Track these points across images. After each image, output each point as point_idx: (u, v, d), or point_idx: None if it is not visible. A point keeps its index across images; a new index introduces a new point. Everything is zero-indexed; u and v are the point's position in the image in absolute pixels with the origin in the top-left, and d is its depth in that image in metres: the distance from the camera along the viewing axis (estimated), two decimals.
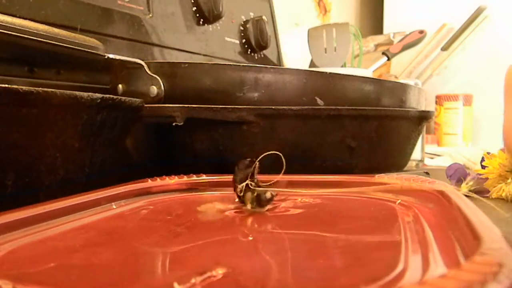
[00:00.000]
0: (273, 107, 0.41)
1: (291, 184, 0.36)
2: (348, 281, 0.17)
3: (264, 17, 0.83)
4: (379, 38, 1.33)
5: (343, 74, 0.47)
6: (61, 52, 0.43)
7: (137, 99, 0.35)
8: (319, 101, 0.43)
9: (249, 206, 0.29)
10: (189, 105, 0.40)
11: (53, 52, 0.43)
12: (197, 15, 0.72)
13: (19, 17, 0.41)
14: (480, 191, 0.51)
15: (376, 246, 0.22)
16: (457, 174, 0.52)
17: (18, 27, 0.38)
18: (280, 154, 0.30)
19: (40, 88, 0.26)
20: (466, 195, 0.25)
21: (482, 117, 1.22)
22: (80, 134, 0.30)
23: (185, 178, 0.36)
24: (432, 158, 0.91)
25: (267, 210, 0.29)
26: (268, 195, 0.29)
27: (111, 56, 0.46)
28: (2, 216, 0.22)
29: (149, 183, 0.34)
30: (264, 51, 0.85)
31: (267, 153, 0.30)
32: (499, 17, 1.17)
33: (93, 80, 0.53)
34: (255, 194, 0.29)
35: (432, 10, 1.31)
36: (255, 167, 0.30)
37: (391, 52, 0.92)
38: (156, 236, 0.25)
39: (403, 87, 0.51)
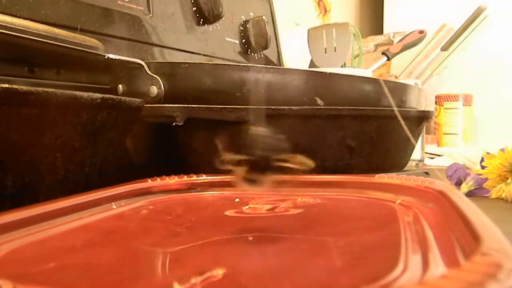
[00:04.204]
0: (273, 107, 0.41)
1: (291, 184, 0.36)
2: (348, 281, 0.17)
3: (264, 17, 0.83)
4: (379, 38, 1.33)
5: (343, 74, 0.47)
6: (61, 52, 0.43)
7: (137, 99, 0.35)
8: (319, 101, 0.43)
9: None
10: (189, 105, 0.40)
11: (53, 52, 0.43)
12: (197, 15, 0.72)
13: (19, 17, 0.41)
14: (480, 191, 0.51)
15: (376, 246, 0.22)
16: (457, 174, 0.52)
17: (18, 27, 0.38)
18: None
19: (40, 88, 0.26)
20: (466, 195, 0.25)
21: (482, 117, 1.22)
22: (80, 134, 0.30)
23: (185, 178, 0.36)
24: (432, 158, 0.91)
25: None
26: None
27: (111, 56, 0.46)
28: (2, 216, 0.22)
29: (149, 183, 0.34)
30: (264, 51, 0.85)
31: None
32: (499, 17, 1.17)
33: (93, 80, 0.53)
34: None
35: (432, 10, 1.31)
36: None
37: (391, 52, 0.92)
38: (156, 236, 0.25)
39: (403, 87, 0.51)
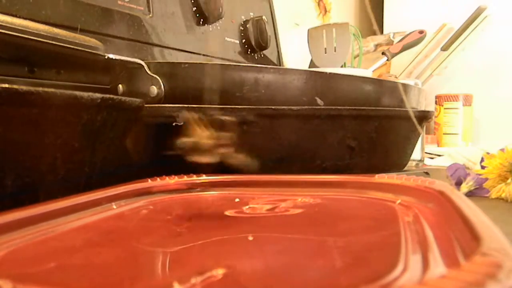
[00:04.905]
0: (273, 107, 0.41)
1: (291, 184, 0.36)
2: (348, 281, 0.17)
3: (264, 17, 0.83)
4: (379, 38, 1.33)
5: (343, 74, 0.47)
6: (61, 52, 0.43)
7: (137, 99, 0.35)
8: (319, 101, 0.43)
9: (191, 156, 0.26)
10: (189, 105, 0.40)
11: (53, 52, 0.43)
12: (197, 15, 0.72)
13: (19, 17, 0.41)
14: (480, 191, 0.51)
15: (376, 246, 0.22)
16: (457, 174, 0.52)
17: (18, 27, 0.38)
18: None
19: (40, 88, 0.26)
20: (466, 195, 0.25)
21: (482, 117, 1.22)
22: (80, 134, 0.30)
23: (185, 178, 0.36)
24: (432, 158, 0.91)
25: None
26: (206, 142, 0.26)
27: (111, 56, 0.45)
28: (2, 216, 0.22)
29: (149, 183, 0.34)
30: (264, 51, 0.85)
31: None
32: (499, 17, 1.17)
33: (93, 80, 0.53)
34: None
35: (432, 10, 1.31)
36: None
37: (391, 52, 0.92)
38: (156, 236, 0.25)
39: (403, 87, 0.51)
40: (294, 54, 1.06)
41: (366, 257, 0.20)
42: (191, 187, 0.36)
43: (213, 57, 0.73)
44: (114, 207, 0.30)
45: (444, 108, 1.16)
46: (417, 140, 0.55)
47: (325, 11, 1.35)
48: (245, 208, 0.31)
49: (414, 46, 0.97)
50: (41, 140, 0.28)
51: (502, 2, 1.21)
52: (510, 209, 0.44)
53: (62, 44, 0.42)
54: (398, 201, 0.30)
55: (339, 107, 0.43)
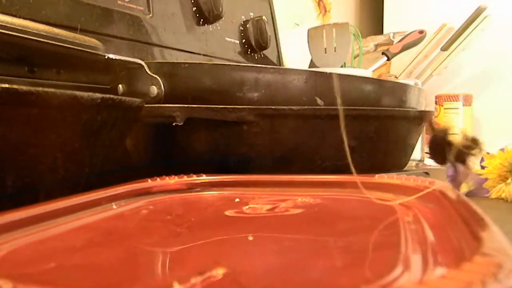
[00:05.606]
0: (273, 107, 0.41)
1: (291, 184, 0.36)
2: (348, 281, 0.17)
3: (264, 17, 0.83)
4: (379, 38, 1.32)
5: (343, 74, 0.47)
6: (61, 52, 0.43)
7: (137, 99, 0.35)
8: (319, 101, 0.43)
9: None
10: (189, 105, 0.40)
11: (53, 52, 0.43)
12: (197, 15, 0.72)
13: (19, 17, 0.41)
14: (480, 191, 0.51)
15: (376, 246, 0.22)
16: (457, 174, 0.52)
17: (18, 27, 0.38)
18: None
19: (40, 88, 0.26)
20: (466, 195, 0.25)
21: (482, 117, 1.22)
22: (80, 134, 0.30)
23: (185, 178, 0.36)
24: None
25: None
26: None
27: (111, 56, 0.45)
28: (2, 216, 0.22)
29: (149, 183, 0.34)
30: (264, 51, 0.85)
31: None
32: (499, 17, 1.17)
33: (93, 80, 0.53)
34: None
35: (432, 10, 1.31)
36: None
37: (391, 52, 0.92)
38: (156, 236, 0.25)
39: (403, 87, 0.51)
40: (294, 54, 1.06)
41: (366, 257, 0.20)
42: (191, 187, 0.36)
43: (213, 57, 0.73)
44: (114, 207, 0.30)
45: (444, 108, 1.16)
46: (417, 140, 0.55)
47: (325, 11, 1.35)
48: (245, 208, 0.31)
49: (414, 46, 0.97)
50: (41, 140, 0.28)
51: (502, 2, 1.21)
52: (510, 209, 0.44)
53: (62, 44, 0.42)
54: (398, 201, 0.30)
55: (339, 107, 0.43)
